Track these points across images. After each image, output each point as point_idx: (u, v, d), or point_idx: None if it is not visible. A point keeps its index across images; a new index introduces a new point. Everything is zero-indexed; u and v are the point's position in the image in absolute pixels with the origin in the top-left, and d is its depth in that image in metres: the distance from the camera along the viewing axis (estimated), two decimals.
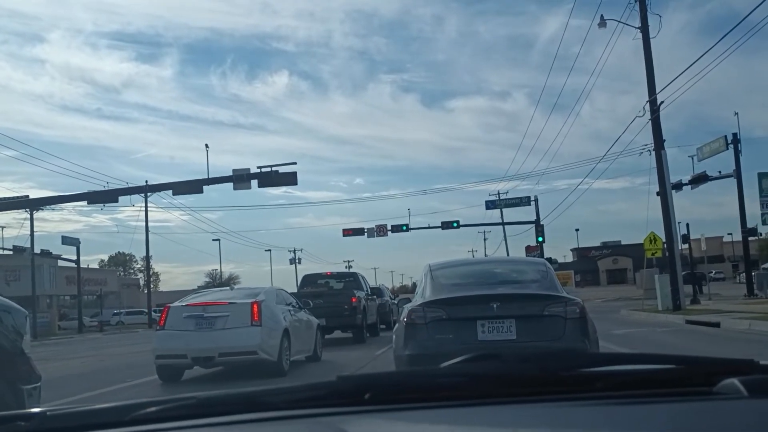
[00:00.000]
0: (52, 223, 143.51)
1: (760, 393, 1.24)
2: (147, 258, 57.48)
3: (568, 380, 1.39)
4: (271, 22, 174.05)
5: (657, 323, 19.99)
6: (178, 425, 1.34)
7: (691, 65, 20.29)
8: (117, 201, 27.78)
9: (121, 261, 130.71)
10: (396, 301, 26.86)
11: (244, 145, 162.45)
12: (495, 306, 6.76)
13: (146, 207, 55.43)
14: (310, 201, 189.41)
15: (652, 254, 27.70)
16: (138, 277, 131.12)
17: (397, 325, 7.62)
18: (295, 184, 28.52)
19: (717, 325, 16.79)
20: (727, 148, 30.72)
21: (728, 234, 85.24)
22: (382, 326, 24.91)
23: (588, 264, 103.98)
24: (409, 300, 8.47)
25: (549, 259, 50.47)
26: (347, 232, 50.33)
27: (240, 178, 28.35)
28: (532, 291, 7.22)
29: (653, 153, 24.46)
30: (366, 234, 49.83)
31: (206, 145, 29.86)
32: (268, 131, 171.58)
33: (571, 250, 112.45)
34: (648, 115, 22.34)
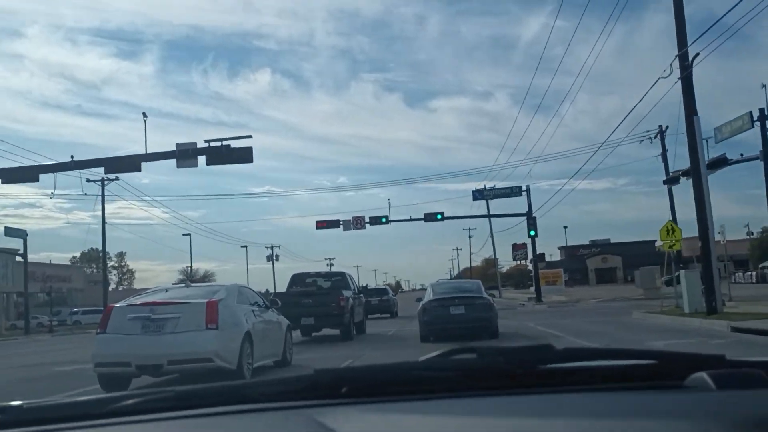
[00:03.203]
0: (33, 219, 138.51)
1: (727, 386, 1.27)
2: (104, 251, 52.93)
3: (543, 374, 1.42)
4: (253, 20, 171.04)
5: (693, 330, 15.81)
6: (156, 417, 1.34)
7: (723, 16, 16.22)
8: (37, 180, 23.29)
9: (93, 257, 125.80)
10: (396, 297, 41.60)
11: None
12: (456, 300, 17.11)
13: (102, 195, 51.28)
14: (293, 199, 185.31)
15: (670, 247, 23.61)
16: (111, 273, 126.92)
17: (419, 308, 17.47)
18: (250, 161, 24.10)
19: None
20: (752, 126, 26.64)
21: (718, 233, 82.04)
22: (386, 315, 34.55)
23: (576, 263, 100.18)
24: (421, 298, 18.20)
25: (541, 256, 46.43)
26: (321, 224, 45.77)
27: (184, 154, 23.87)
28: (471, 294, 17.52)
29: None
30: (342, 226, 45.34)
31: (144, 114, 25.36)
32: (251, 129, 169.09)
33: (559, 248, 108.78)
34: (676, 73, 18.03)
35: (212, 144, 23.81)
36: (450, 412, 1.24)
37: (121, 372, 10.12)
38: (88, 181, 50.53)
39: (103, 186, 50.97)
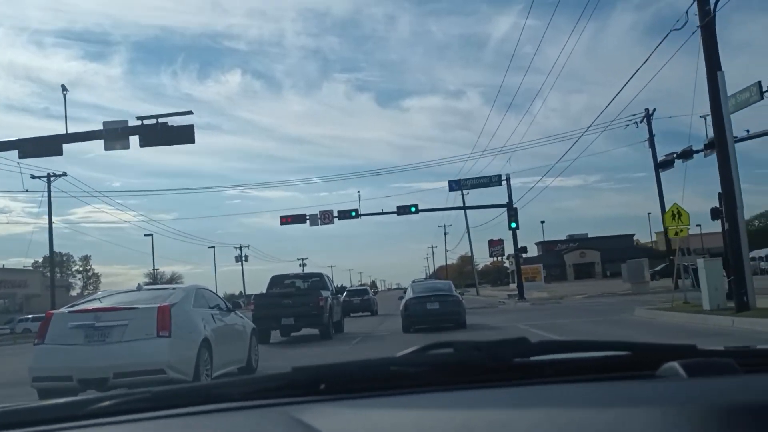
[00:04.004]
0: (0, 225, 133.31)
1: (698, 375, 1.29)
2: (51, 254, 48.78)
3: (520, 367, 1.43)
4: (222, 21, 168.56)
5: (725, 331, 12.77)
6: (133, 418, 1.33)
7: None
8: None
9: (57, 262, 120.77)
10: (376, 295, 46.11)
11: (199, 145, 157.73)
12: (432, 297, 20.51)
13: (49, 191, 47.06)
14: (266, 200, 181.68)
15: (676, 233, 20.62)
16: (75, 277, 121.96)
17: (401, 304, 21.04)
18: (192, 141, 20.59)
19: None
20: (762, 98, 23.69)
21: (697, 225, 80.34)
22: (367, 313, 36.66)
23: (554, 258, 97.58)
24: (402, 296, 23.11)
25: (524, 249, 43.43)
26: (285, 220, 42.30)
27: (112, 134, 20.29)
28: (444, 292, 21.24)
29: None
30: (308, 221, 41.90)
31: (63, 87, 21.73)
32: (223, 131, 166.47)
33: (536, 243, 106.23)
34: (695, 21, 14.92)
35: (146, 121, 20.29)
36: (427, 406, 1.25)
37: (62, 387, 9.09)
38: (33, 177, 47.02)
39: (49, 182, 47.14)
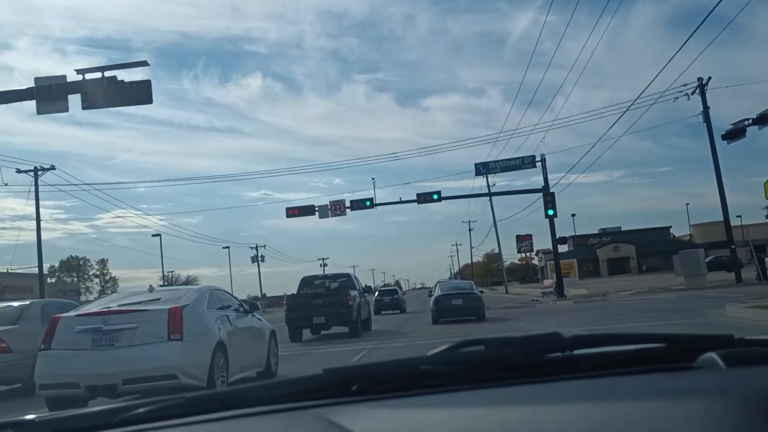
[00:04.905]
0: (29, 232, 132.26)
1: (737, 365, 1.26)
2: (39, 252, 44.78)
3: (553, 363, 1.41)
4: (241, 25, 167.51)
5: None
6: (167, 424, 1.33)
7: None
8: None
9: (74, 266, 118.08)
10: (404, 295, 49.19)
11: (221, 149, 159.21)
12: (456, 295, 24.60)
13: (36, 185, 43.64)
14: (289, 202, 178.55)
15: None
16: (93, 281, 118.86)
17: (431, 301, 25.53)
18: (149, 102, 16.13)
19: None
20: None
21: (737, 216, 75.26)
22: (397, 311, 38.90)
23: (586, 253, 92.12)
24: (431, 294, 29.13)
25: (563, 239, 38.48)
26: (292, 212, 37.90)
27: (46, 93, 15.81)
28: (466, 290, 25.46)
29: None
30: (318, 213, 37.51)
31: None
32: (245, 134, 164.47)
33: (567, 238, 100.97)
34: None
35: (89, 76, 15.82)
36: (461, 405, 1.23)
37: (69, 394, 8.77)
38: (18, 171, 43.20)
39: (36, 176, 43.49)
